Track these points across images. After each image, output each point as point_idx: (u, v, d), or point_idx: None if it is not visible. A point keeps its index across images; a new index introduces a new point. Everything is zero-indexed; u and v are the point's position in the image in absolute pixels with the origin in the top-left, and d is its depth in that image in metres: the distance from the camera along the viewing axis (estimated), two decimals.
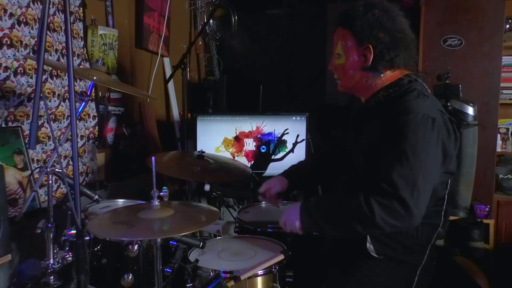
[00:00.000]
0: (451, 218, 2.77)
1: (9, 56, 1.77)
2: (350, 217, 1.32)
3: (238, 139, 2.80)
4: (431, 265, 1.49)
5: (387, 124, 1.35)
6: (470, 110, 2.76)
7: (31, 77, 1.88)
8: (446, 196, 1.44)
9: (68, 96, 1.33)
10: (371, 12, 1.39)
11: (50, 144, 1.99)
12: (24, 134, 1.83)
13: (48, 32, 1.97)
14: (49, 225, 1.39)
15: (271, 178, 1.83)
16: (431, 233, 1.43)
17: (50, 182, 1.42)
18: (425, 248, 1.44)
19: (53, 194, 1.49)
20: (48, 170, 1.42)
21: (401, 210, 1.25)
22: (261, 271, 1.46)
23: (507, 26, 3.09)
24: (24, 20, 1.84)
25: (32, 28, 1.88)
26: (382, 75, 1.44)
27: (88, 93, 1.83)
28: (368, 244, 1.42)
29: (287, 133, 2.78)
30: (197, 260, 1.50)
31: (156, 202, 1.33)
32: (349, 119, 1.65)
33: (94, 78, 1.59)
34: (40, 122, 1.95)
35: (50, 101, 2.03)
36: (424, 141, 1.29)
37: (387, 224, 1.26)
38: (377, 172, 1.32)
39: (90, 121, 2.33)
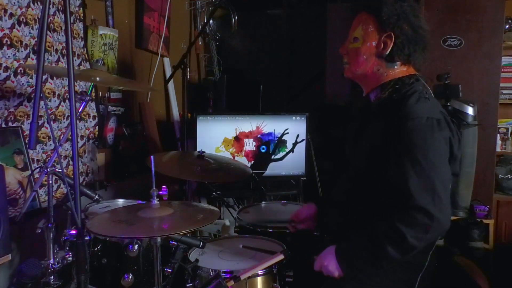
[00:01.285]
0: (451, 218, 2.77)
1: (9, 56, 1.77)
2: (386, 251, 1.29)
3: (238, 139, 2.80)
4: (433, 266, 1.49)
5: (391, 130, 1.34)
6: (470, 110, 2.76)
7: (31, 77, 1.88)
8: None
9: (68, 96, 1.33)
10: (400, 3, 1.41)
11: (50, 144, 1.99)
12: (24, 134, 1.83)
13: (48, 32, 1.97)
14: (49, 225, 1.40)
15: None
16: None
17: (50, 182, 1.43)
18: (427, 249, 1.43)
19: (53, 194, 1.49)
20: (48, 170, 1.42)
21: (427, 221, 1.24)
22: (261, 271, 1.46)
23: (507, 26, 3.09)
24: (24, 20, 1.84)
25: (32, 28, 1.88)
26: (395, 67, 1.44)
27: (88, 93, 1.83)
28: None
29: (287, 133, 2.79)
30: (197, 260, 1.50)
31: (156, 201, 1.33)
32: (351, 119, 1.65)
33: (97, 79, 1.59)
34: (40, 122, 1.95)
35: (50, 101, 2.03)
36: (433, 144, 1.29)
37: (422, 239, 1.26)
38: (392, 184, 1.32)
39: (90, 121, 2.33)
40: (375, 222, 1.33)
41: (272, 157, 2.80)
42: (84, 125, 2.29)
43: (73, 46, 1.92)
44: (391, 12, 1.39)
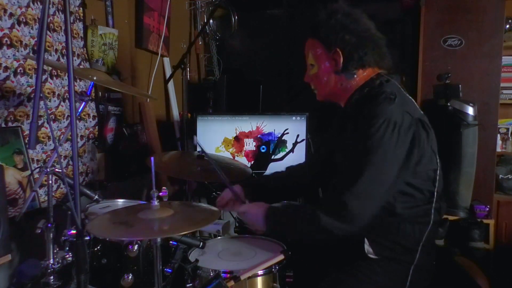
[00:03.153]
0: (451, 218, 2.77)
1: (9, 56, 1.77)
2: (303, 225, 1.40)
3: (238, 139, 2.80)
4: (428, 263, 1.49)
5: (354, 130, 1.40)
6: (470, 110, 2.76)
7: (31, 77, 1.88)
8: (435, 193, 1.44)
9: (68, 96, 1.33)
10: (334, 18, 1.44)
11: (50, 144, 1.99)
12: (24, 134, 1.83)
13: (48, 32, 1.97)
14: (49, 225, 1.39)
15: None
16: (422, 231, 1.43)
17: (50, 182, 1.42)
18: (414, 246, 1.44)
19: (53, 194, 1.50)
20: (48, 170, 1.42)
21: (343, 212, 1.30)
22: (261, 271, 1.46)
23: (507, 26, 3.09)
24: (24, 20, 1.84)
25: (32, 28, 1.87)
26: (355, 75, 1.48)
27: (88, 93, 1.83)
28: (366, 247, 1.43)
29: (287, 133, 2.78)
30: (197, 260, 1.50)
31: (156, 202, 1.32)
32: (333, 125, 1.68)
33: (94, 78, 1.59)
34: (40, 122, 1.95)
35: (50, 101, 2.03)
36: (380, 145, 1.31)
37: (334, 227, 1.33)
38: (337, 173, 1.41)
39: (90, 121, 2.33)
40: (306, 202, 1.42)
41: (272, 157, 2.79)
42: (84, 125, 2.28)
43: (73, 46, 1.92)
44: (328, 30, 1.44)
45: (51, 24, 2.02)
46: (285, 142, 2.81)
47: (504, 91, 3.19)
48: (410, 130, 1.34)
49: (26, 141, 1.81)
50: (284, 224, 1.48)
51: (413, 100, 1.49)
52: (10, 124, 1.79)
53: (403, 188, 1.39)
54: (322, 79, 1.52)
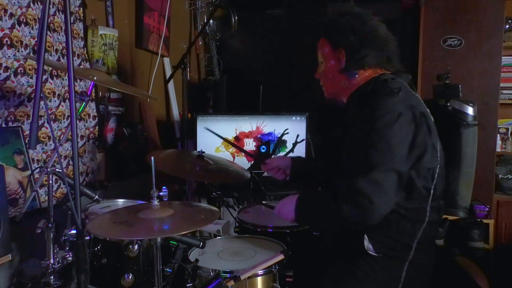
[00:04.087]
0: (451, 218, 2.77)
1: (9, 56, 1.77)
2: (326, 217, 1.43)
3: (238, 139, 2.81)
4: (425, 261, 1.49)
5: (357, 123, 1.44)
6: (470, 110, 2.76)
7: (31, 77, 1.89)
8: (432, 190, 1.44)
9: (68, 96, 1.33)
10: (344, 18, 1.51)
11: (50, 144, 1.99)
12: (24, 134, 1.83)
13: (48, 32, 1.97)
14: (49, 225, 1.40)
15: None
16: (418, 228, 1.43)
17: (50, 182, 1.43)
18: (412, 242, 1.44)
19: (53, 194, 1.50)
20: (48, 170, 1.42)
21: (363, 201, 1.30)
22: (261, 271, 1.46)
23: (507, 26, 3.09)
24: (24, 20, 1.84)
25: (32, 28, 1.88)
26: (356, 75, 1.52)
27: (88, 93, 1.83)
28: (366, 243, 1.43)
29: (287, 133, 2.79)
30: (197, 260, 1.50)
31: (156, 202, 1.33)
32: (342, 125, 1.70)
33: (95, 78, 1.59)
34: (40, 122, 1.95)
35: (50, 101, 2.03)
36: (386, 135, 1.33)
37: (352, 216, 1.33)
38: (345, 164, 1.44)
39: (90, 121, 2.33)
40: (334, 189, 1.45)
41: (272, 157, 2.80)
42: (84, 125, 2.29)
43: (73, 46, 1.92)
44: (337, 30, 1.51)
45: (52, 24, 2.02)
46: (285, 142, 2.81)
47: (504, 91, 3.19)
48: (413, 122, 1.36)
49: (27, 141, 1.81)
50: (311, 215, 1.51)
51: (419, 97, 1.50)
52: (10, 124, 1.79)
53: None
54: (328, 76, 1.58)
